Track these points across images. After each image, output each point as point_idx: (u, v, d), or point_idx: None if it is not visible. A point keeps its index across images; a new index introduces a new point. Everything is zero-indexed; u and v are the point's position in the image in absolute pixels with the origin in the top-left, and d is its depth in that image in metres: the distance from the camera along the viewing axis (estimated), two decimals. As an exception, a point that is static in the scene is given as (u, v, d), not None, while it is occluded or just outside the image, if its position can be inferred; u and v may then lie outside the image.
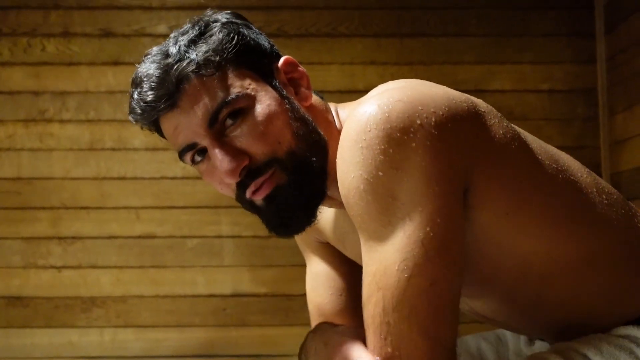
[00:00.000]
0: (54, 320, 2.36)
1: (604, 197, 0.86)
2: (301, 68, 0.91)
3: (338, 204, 0.91)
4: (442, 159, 0.71)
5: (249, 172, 0.82)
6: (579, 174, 0.86)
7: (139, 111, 0.83)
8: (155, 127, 0.87)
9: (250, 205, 0.87)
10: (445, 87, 0.80)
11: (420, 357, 0.68)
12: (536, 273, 0.82)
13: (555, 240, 0.80)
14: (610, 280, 0.84)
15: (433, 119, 0.72)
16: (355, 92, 2.38)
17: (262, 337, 2.38)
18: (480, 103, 0.81)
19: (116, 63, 2.42)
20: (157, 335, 2.37)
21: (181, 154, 0.85)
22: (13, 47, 2.41)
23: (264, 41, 0.90)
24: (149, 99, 0.81)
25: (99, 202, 2.39)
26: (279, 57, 0.91)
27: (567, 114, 2.46)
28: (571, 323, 0.87)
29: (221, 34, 0.84)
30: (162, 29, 2.41)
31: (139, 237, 2.39)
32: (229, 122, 0.81)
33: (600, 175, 2.39)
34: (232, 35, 0.84)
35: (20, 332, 2.36)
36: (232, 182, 0.83)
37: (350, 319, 1.05)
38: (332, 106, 0.94)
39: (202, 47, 0.82)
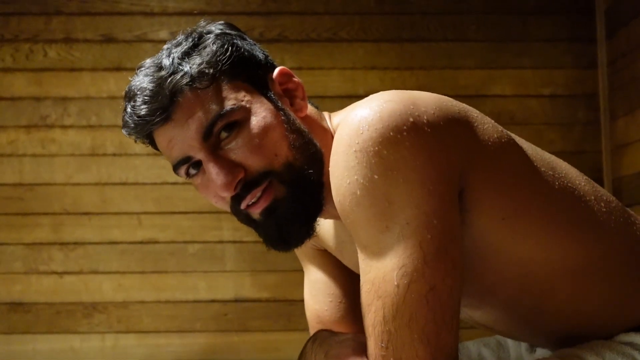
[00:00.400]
0: (55, 326, 2.36)
1: (602, 205, 0.85)
2: (296, 79, 0.90)
3: (333, 215, 0.90)
4: (436, 158, 0.71)
5: (245, 184, 0.81)
6: (577, 182, 0.85)
7: (132, 125, 0.82)
8: (149, 139, 0.86)
9: (245, 218, 0.86)
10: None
11: None
12: (536, 281, 0.81)
13: (555, 247, 0.80)
14: (611, 288, 0.84)
15: (425, 118, 0.72)
16: (356, 97, 2.37)
17: (264, 342, 2.38)
18: (472, 109, 0.81)
19: (118, 69, 2.43)
20: (159, 341, 2.37)
21: (175, 168, 0.84)
22: (15, 53, 2.42)
23: (258, 52, 0.89)
24: (142, 112, 0.80)
25: (101, 208, 2.39)
26: (274, 67, 0.90)
27: (569, 119, 2.46)
28: (572, 331, 0.86)
29: (215, 46, 0.83)
30: (163, 34, 2.42)
31: (141, 242, 2.39)
32: (223, 135, 0.81)
33: (601, 180, 2.39)
34: (226, 46, 0.83)
35: (21, 338, 2.35)
36: (228, 195, 0.82)
37: (349, 326, 1.05)
38: (325, 115, 0.94)
39: (196, 60, 0.81)
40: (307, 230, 0.86)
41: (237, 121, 0.81)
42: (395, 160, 0.69)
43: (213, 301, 2.39)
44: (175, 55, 0.82)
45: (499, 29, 2.47)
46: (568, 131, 2.45)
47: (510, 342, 1.10)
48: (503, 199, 0.77)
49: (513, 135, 0.85)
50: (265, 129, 0.81)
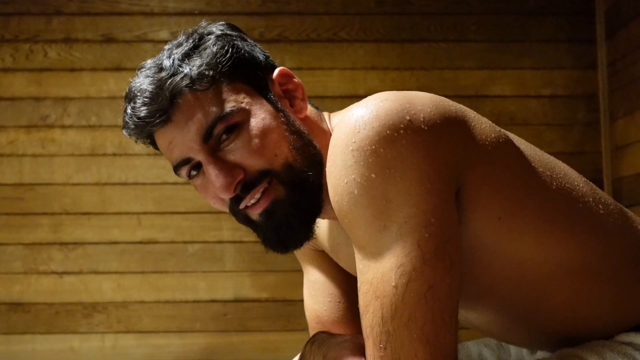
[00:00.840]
0: (55, 326, 2.36)
1: (601, 206, 0.85)
2: (296, 79, 0.90)
3: (331, 215, 0.90)
4: (434, 156, 0.70)
5: (244, 185, 0.82)
6: (575, 183, 0.85)
7: (132, 126, 0.82)
8: (150, 140, 0.86)
9: (244, 219, 0.86)
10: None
11: None
12: (532, 282, 0.81)
13: (551, 247, 0.79)
14: (609, 289, 0.83)
15: (422, 116, 0.72)
16: (356, 98, 2.36)
17: (263, 342, 2.38)
18: (469, 109, 0.81)
19: (118, 69, 2.43)
20: (158, 341, 2.37)
21: (176, 169, 0.85)
22: (15, 53, 2.42)
23: (258, 53, 0.89)
24: (142, 114, 0.81)
25: (101, 208, 2.39)
26: (274, 68, 0.90)
27: (568, 120, 2.46)
28: (569, 333, 0.86)
29: (215, 47, 0.83)
30: (163, 34, 2.42)
31: (140, 242, 2.39)
32: (223, 137, 0.81)
33: (601, 180, 2.39)
34: (226, 48, 0.83)
35: (21, 338, 2.35)
36: (227, 197, 0.82)
37: (349, 326, 1.04)
38: (325, 115, 0.93)
39: (196, 61, 0.81)
40: (306, 233, 0.86)
41: (237, 123, 0.81)
42: (392, 159, 0.69)
43: (212, 301, 2.38)
44: (176, 56, 0.82)
45: (499, 30, 2.47)
46: (568, 132, 2.45)
47: (511, 343, 1.10)
48: (499, 198, 0.76)
49: (512, 136, 0.85)
50: (265, 131, 0.81)
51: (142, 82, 0.81)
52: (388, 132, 0.70)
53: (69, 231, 2.38)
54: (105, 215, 2.39)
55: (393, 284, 0.68)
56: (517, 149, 0.82)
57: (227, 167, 0.81)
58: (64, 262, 2.37)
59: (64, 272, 2.37)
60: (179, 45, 0.84)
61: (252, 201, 0.83)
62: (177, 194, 2.40)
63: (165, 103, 0.79)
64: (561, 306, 0.83)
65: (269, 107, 0.84)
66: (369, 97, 0.76)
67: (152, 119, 0.80)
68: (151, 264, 2.39)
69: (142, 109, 0.80)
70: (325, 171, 0.82)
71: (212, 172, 0.81)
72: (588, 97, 2.47)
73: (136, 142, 0.87)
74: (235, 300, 2.39)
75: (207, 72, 0.80)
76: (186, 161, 0.83)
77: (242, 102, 0.82)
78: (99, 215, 2.39)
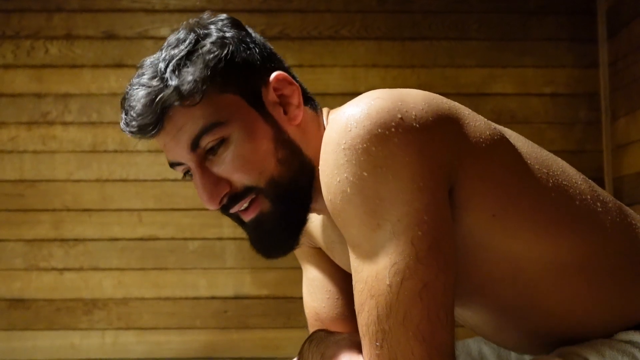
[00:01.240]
0: (55, 323, 2.36)
1: (599, 204, 0.84)
2: (293, 84, 0.88)
3: (326, 212, 0.90)
4: (426, 154, 0.70)
5: (230, 197, 0.83)
6: (573, 180, 0.84)
7: (129, 134, 0.84)
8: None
9: (237, 218, 0.88)
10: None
11: None
12: (527, 279, 0.80)
13: (546, 245, 0.79)
14: (606, 288, 0.83)
15: (414, 113, 0.72)
16: (357, 95, 2.38)
17: (263, 339, 2.38)
18: (463, 107, 0.80)
19: (119, 65, 2.43)
20: (159, 338, 2.37)
21: (171, 167, 0.87)
22: (16, 49, 2.42)
23: (256, 56, 0.87)
24: (134, 128, 0.82)
25: (101, 205, 2.39)
26: (272, 71, 0.87)
27: (570, 118, 2.46)
28: (566, 335, 0.85)
29: (209, 56, 0.82)
30: (164, 31, 2.42)
31: (141, 239, 2.39)
32: (212, 148, 0.82)
33: (602, 179, 2.39)
34: (221, 57, 0.82)
35: (21, 335, 2.36)
36: (212, 208, 0.84)
37: (347, 323, 1.05)
38: (325, 112, 0.93)
39: (188, 75, 0.80)
40: (291, 244, 0.88)
41: (224, 137, 0.81)
42: (384, 157, 0.69)
43: (213, 298, 2.39)
44: (170, 64, 0.81)
45: (501, 28, 2.47)
46: (569, 130, 2.45)
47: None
48: (493, 195, 0.76)
49: (509, 133, 0.85)
50: (252, 146, 0.82)
51: (135, 93, 0.82)
52: (379, 130, 0.70)
53: (69, 228, 2.38)
54: (106, 212, 2.39)
55: (387, 282, 0.68)
56: (513, 146, 0.81)
57: (213, 180, 0.82)
58: (65, 258, 2.37)
59: (64, 269, 2.38)
60: (177, 45, 0.84)
61: (241, 208, 0.85)
62: (177, 191, 2.40)
63: (156, 118, 0.80)
64: (557, 305, 0.83)
65: (258, 119, 0.83)
66: (361, 95, 0.76)
67: (144, 132, 0.82)
68: (151, 260, 2.39)
69: (133, 123, 0.81)
70: (315, 173, 0.84)
71: (199, 183, 0.82)
72: (589, 96, 2.46)
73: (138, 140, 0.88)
74: (236, 297, 2.39)
75: (198, 85, 0.80)
76: (178, 164, 0.85)
77: (231, 115, 0.81)
78: (99, 212, 2.39)
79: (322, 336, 0.93)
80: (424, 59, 2.45)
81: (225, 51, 0.83)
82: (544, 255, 0.79)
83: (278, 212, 0.84)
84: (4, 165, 2.39)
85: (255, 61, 0.86)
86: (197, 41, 0.83)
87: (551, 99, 2.46)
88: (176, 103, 0.79)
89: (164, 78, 0.81)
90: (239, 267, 2.39)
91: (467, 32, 2.47)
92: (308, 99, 0.92)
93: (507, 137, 0.82)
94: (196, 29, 0.85)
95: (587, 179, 0.89)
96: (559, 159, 0.89)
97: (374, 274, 0.69)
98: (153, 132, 0.81)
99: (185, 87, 0.79)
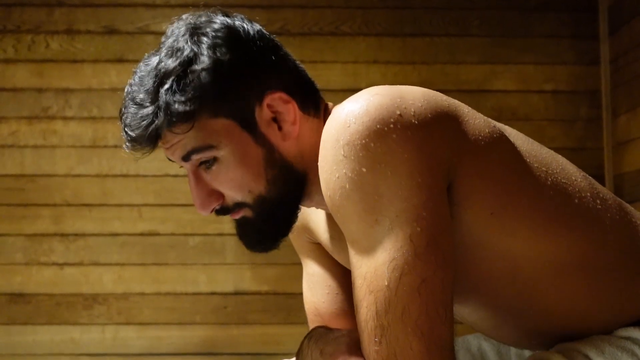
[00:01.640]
0: (55, 317, 2.37)
1: (599, 202, 0.84)
2: (289, 102, 0.85)
3: (324, 207, 0.91)
4: (425, 150, 0.71)
5: (220, 208, 0.87)
6: (573, 178, 0.84)
7: (128, 147, 0.87)
8: None
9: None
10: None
11: (415, 358, 0.67)
12: (526, 278, 0.80)
13: (544, 243, 0.79)
14: (606, 286, 0.83)
15: (412, 110, 0.72)
16: (358, 91, 2.37)
17: (263, 335, 2.39)
18: (462, 104, 0.80)
19: (120, 61, 2.42)
20: (159, 333, 2.38)
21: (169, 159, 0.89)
22: (17, 44, 2.41)
23: (250, 76, 0.84)
24: (131, 147, 0.85)
25: (102, 200, 2.39)
26: (269, 87, 0.84)
27: (570, 115, 2.46)
28: (565, 332, 0.85)
29: (204, 80, 0.80)
30: (165, 26, 2.40)
31: (141, 234, 2.40)
32: (203, 164, 0.84)
33: (603, 177, 2.39)
34: (215, 81, 0.81)
35: (22, 329, 2.36)
36: (204, 214, 0.87)
37: (347, 319, 1.05)
38: (330, 108, 0.92)
39: (180, 106, 0.79)
40: (269, 247, 0.92)
41: (215, 157, 0.83)
42: (383, 153, 0.69)
43: (213, 294, 2.39)
44: (163, 86, 0.80)
45: (502, 25, 2.47)
46: (570, 127, 2.45)
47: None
48: (492, 193, 0.76)
49: (509, 131, 0.85)
50: (242, 170, 0.83)
51: (130, 114, 0.82)
52: (378, 126, 0.70)
53: (70, 223, 2.38)
54: (106, 207, 2.40)
55: (386, 278, 0.68)
56: (512, 144, 0.81)
57: (206, 191, 0.85)
58: (65, 253, 2.38)
59: (64, 264, 2.38)
60: (172, 54, 0.82)
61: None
62: (178, 187, 2.40)
63: (149, 142, 0.83)
64: (557, 303, 0.83)
65: (250, 143, 0.83)
66: (360, 92, 0.76)
67: (141, 149, 0.85)
68: (152, 256, 2.39)
69: (128, 144, 0.85)
70: (311, 177, 0.86)
71: (193, 189, 0.85)
72: (590, 93, 2.46)
73: None
74: (236, 293, 2.39)
75: (189, 108, 0.80)
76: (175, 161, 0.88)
77: (221, 140, 0.82)
78: (100, 207, 2.39)
79: (321, 333, 0.93)
80: (425, 55, 2.45)
81: (218, 77, 0.81)
82: (543, 253, 0.79)
83: (260, 222, 0.87)
84: (4, 160, 2.39)
85: (249, 82, 0.84)
86: (190, 62, 0.81)
87: (552, 96, 2.46)
88: (167, 130, 0.81)
89: (156, 101, 0.80)
90: (239, 262, 2.39)
91: (468, 29, 2.46)
92: (311, 99, 0.90)
93: (507, 135, 0.82)
94: (190, 43, 0.83)
95: (587, 176, 0.89)
96: (559, 156, 0.89)
97: (372, 270, 0.70)
98: (148, 152, 0.85)
99: (176, 118, 0.80)
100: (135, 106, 0.83)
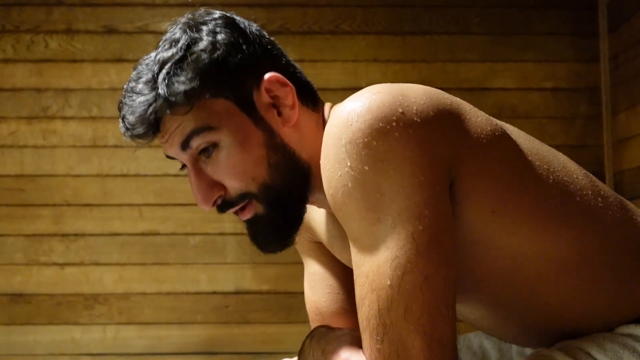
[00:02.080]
0: (56, 317, 2.37)
1: (599, 199, 0.84)
2: (287, 85, 0.86)
3: (326, 206, 0.91)
4: (427, 148, 0.70)
5: (223, 201, 0.85)
6: (574, 176, 0.84)
7: (126, 139, 0.86)
8: None
9: (235, 213, 0.89)
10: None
11: (417, 356, 0.67)
12: (527, 276, 0.80)
13: (545, 241, 0.79)
14: (607, 283, 0.83)
15: (415, 108, 0.72)
16: (358, 90, 2.37)
17: (264, 334, 2.39)
18: (464, 102, 0.80)
19: (119, 60, 2.42)
20: (159, 332, 2.38)
21: (168, 158, 0.88)
22: (16, 44, 2.41)
23: (249, 59, 0.85)
24: (129, 138, 0.84)
25: (102, 200, 2.39)
26: (266, 71, 0.85)
27: (570, 113, 2.46)
28: (566, 330, 0.85)
29: (201, 63, 0.81)
30: (165, 26, 2.41)
31: (142, 234, 2.40)
32: (204, 150, 0.83)
33: (603, 174, 2.39)
34: (212, 63, 0.81)
35: (22, 329, 2.36)
36: (206, 209, 0.85)
37: (348, 317, 1.05)
38: (327, 107, 0.92)
39: (179, 86, 0.79)
40: (287, 241, 0.89)
41: (215, 142, 0.82)
42: (385, 151, 0.69)
43: (214, 293, 2.39)
44: (162, 71, 0.81)
45: (502, 23, 2.47)
46: (570, 125, 2.45)
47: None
48: (493, 191, 0.76)
49: (510, 129, 0.85)
50: (243, 154, 0.82)
51: (130, 103, 0.82)
52: (380, 124, 0.70)
53: (70, 222, 2.38)
54: (107, 207, 2.39)
55: (388, 276, 0.68)
56: (514, 142, 0.81)
57: (207, 183, 0.83)
58: (65, 253, 2.38)
59: (65, 264, 2.38)
60: (170, 47, 0.83)
61: (235, 210, 0.86)
62: (178, 186, 2.40)
63: (149, 127, 0.82)
64: (558, 301, 0.83)
65: (250, 125, 0.83)
66: (362, 90, 0.76)
67: (140, 139, 0.83)
68: (152, 255, 2.39)
69: (128, 133, 0.83)
70: (313, 171, 0.85)
71: (193, 183, 0.84)
72: (590, 90, 2.46)
73: None
74: (237, 292, 2.39)
75: (189, 92, 0.80)
76: (174, 158, 0.86)
77: (221, 121, 0.81)
78: (100, 207, 2.39)
79: (323, 332, 0.93)
80: (425, 53, 2.45)
81: (216, 57, 0.82)
82: (544, 251, 0.79)
83: (272, 215, 0.85)
84: (4, 160, 2.39)
85: (248, 65, 0.84)
86: (189, 46, 0.82)
87: (552, 94, 2.46)
88: (167, 112, 0.80)
89: (155, 87, 0.81)
90: (240, 262, 2.39)
91: (468, 27, 2.46)
92: (309, 95, 0.91)
93: (509, 133, 0.82)
94: (188, 31, 0.84)
95: (588, 173, 0.89)
96: (560, 154, 0.89)
97: (374, 268, 0.70)
98: (148, 139, 0.83)
99: (176, 99, 0.79)
100: (134, 95, 0.83)
